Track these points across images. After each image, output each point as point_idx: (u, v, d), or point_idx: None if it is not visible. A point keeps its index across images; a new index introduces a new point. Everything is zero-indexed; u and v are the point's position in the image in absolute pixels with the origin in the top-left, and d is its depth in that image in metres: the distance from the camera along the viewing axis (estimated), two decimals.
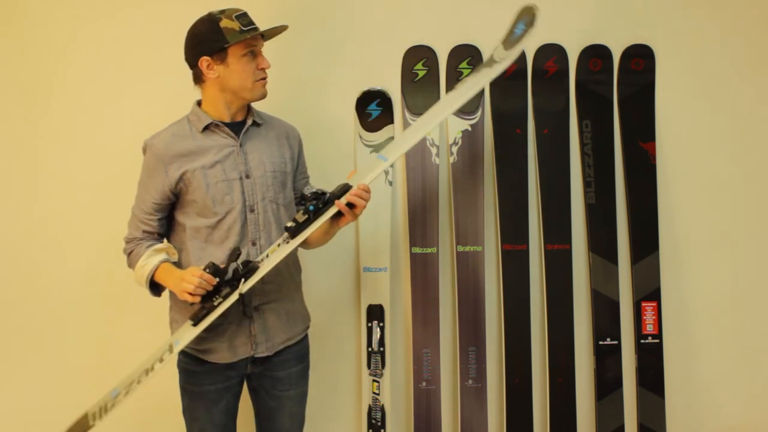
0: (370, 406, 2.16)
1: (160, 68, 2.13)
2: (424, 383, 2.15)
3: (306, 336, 1.81)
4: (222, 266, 1.52)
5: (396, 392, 2.21)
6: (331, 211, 1.59)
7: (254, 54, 1.60)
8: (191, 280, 1.49)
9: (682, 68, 2.19)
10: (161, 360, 1.58)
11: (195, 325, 1.55)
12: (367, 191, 1.60)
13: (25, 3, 2.15)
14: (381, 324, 2.14)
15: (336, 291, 2.22)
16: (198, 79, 1.63)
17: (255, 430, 1.83)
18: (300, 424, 1.80)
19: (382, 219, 2.15)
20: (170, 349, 1.58)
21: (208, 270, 1.49)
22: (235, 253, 1.53)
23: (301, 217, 1.57)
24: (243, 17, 1.58)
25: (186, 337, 1.56)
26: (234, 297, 1.54)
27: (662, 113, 2.20)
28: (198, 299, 1.51)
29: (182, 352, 1.67)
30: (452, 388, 2.21)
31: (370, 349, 2.14)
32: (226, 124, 1.63)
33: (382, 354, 2.13)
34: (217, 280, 1.51)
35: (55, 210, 2.21)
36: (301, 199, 1.76)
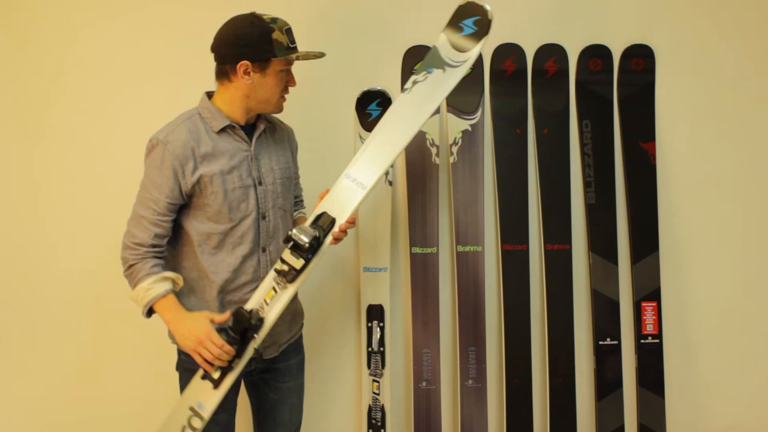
0: (370, 406, 2.15)
1: (161, 69, 2.13)
2: (424, 383, 2.15)
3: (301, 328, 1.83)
4: (233, 326, 1.49)
5: (396, 392, 2.21)
6: (325, 249, 1.59)
7: (288, 71, 1.60)
8: (212, 349, 1.46)
9: (682, 68, 2.19)
10: (193, 428, 1.55)
11: (216, 387, 1.53)
12: (354, 222, 1.63)
13: (25, 3, 2.15)
14: (381, 324, 2.14)
15: (336, 291, 2.22)
16: (224, 76, 1.56)
17: (252, 427, 1.83)
18: (299, 416, 1.82)
19: (382, 219, 2.15)
20: (197, 414, 1.55)
21: (226, 337, 1.47)
22: (242, 315, 1.50)
23: (298, 263, 1.53)
24: (290, 33, 1.58)
25: (209, 400, 1.54)
26: (250, 353, 1.54)
27: (662, 113, 2.20)
28: (210, 367, 1.50)
29: (184, 353, 1.64)
30: (452, 388, 2.21)
31: (370, 349, 2.14)
32: (241, 127, 1.60)
33: (382, 354, 2.13)
34: (236, 350, 1.49)
35: (55, 210, 2.21)
36: (294, 246, 1.56)
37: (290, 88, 1.64)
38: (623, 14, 2.18)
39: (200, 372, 1.54)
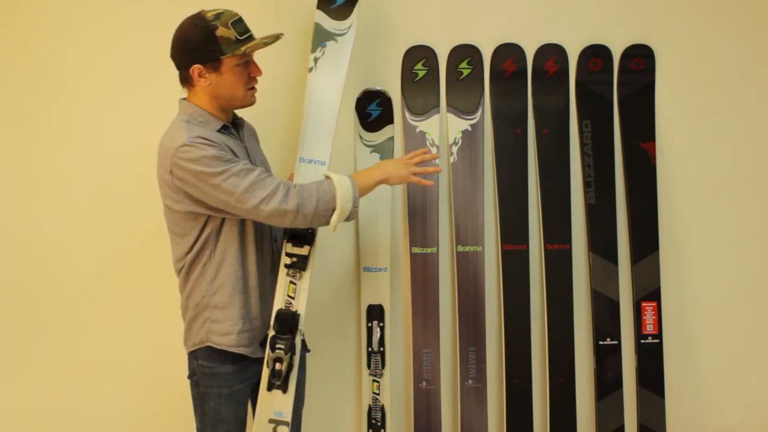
0: (370, 406, 2.15)
1: (161, 68, 2.13)
2: (424, 383, 2.15)
3: None
4: (279, 329, 1.61)
5: (396, 392, 2.21)
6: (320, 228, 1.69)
7: (248, 63, 1.57)
8: (416, 159, 1.67)
9: (682, 68, 2.19)
10: None
11: (286, 392, 1.60)
12: None
13: (25, 3, 2.15)
14: (381, 324, 2.13)
15: (336, 291, 2.22)
16: (186, 82, 1.58)
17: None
18: (301, 408, 1.83)
19: (382, 219, 2.15)
20: (280, 422, 1.60)
21: (282, 344, 1.59)
22: (285, 315, 1.60)
23: (304, 251, 1.65)
24: (239, 24, 1.53)
25: (285, 405, 1.60)
26: (299, 346, 1.64)
27: (662, 113, 2.20)
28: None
29: (207, 358, 1.61)
30: (452, 388, 2.21)
31: (370, 349, 2.14)
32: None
33: (382, 354, 2.13)
34: (291, 347, 1.60)
35: (55, 210, 2.20)
36: (292, 237, 1.68)
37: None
38: (623, 14, 2.18)
39: (265, 385, 1.60)
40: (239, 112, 1.73)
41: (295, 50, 2.08)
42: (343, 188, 1.55)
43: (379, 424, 2.14)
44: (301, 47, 2.06)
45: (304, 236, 1.65)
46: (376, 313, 2.14)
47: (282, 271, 1.65)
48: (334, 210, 1.55)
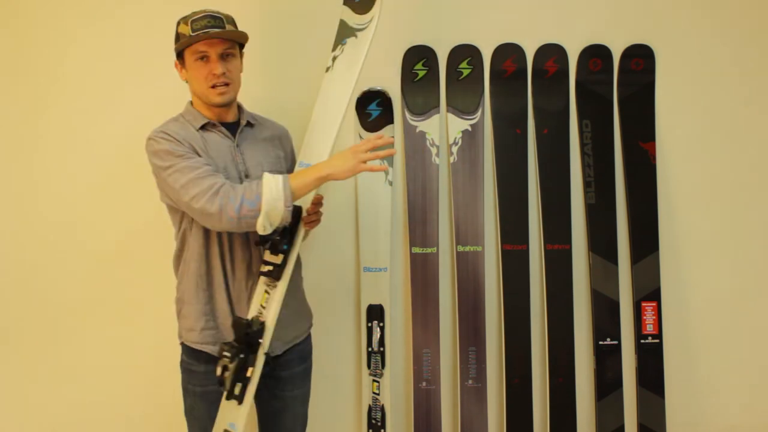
0: (370, 406, 2.15)
1: (161, 68, 2.13)
2: (424, 383, 2.15)
3: (309, 335, 1.82)
4: (235, 337, 1.51)
5: (396, 392, 2.21)
6: (300, 236, 1.60)
7: (206, 59, 1.55)
8: (366, 145, 1.49)
9: (682, 68, 2.19)
10: None
11: (241, 403, 1.54)
12: (321, 202, 1.73)
13: (25, 3, 2.15)
14: (381, 324, 2.13)
15: (336, 291, 2.22)
16: None
17: (258, 430, 1.83)
18: (303, 424, 1.81)
19: (382, 219, 2.15)
20: None
21: (232, 351, 1.48)
22: (238, 322, 1.52)
23: (278, 259, 1.55)
24: (198, 21, 1.52)
25: (239, 418, 1.55)
26: (261, 359, 1.54)
27: (662, 113, 2.20)
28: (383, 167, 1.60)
29: (186, 353, 1.65)
30: (452, 388, 2.21)
31: (370, 349, 2.14)
32: (222, 124, 1.63)
33: (382, 354, 2.13)
34: (245, 359, 1.51)
35: (55, 209, 2.20)
36: (263, 241, 1.55)
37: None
38: (623, 14, 2.18)
39: (225, 393, 1.56)
40: (261, 112, 1.76)
41: (318, 50, 2.07)
42: (270, 188, 1.44)
43: (379, 424, 2.14)
44: (324, 46, 2.05)
45: (276, 243, 1.53)
46: (376, 313, 2.14)
47: (261, 278, 1.59)
48: (260, 212, 1.45)
